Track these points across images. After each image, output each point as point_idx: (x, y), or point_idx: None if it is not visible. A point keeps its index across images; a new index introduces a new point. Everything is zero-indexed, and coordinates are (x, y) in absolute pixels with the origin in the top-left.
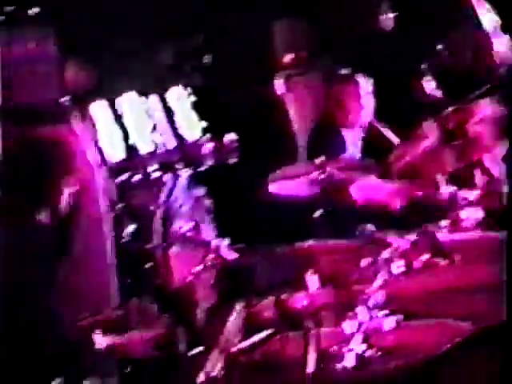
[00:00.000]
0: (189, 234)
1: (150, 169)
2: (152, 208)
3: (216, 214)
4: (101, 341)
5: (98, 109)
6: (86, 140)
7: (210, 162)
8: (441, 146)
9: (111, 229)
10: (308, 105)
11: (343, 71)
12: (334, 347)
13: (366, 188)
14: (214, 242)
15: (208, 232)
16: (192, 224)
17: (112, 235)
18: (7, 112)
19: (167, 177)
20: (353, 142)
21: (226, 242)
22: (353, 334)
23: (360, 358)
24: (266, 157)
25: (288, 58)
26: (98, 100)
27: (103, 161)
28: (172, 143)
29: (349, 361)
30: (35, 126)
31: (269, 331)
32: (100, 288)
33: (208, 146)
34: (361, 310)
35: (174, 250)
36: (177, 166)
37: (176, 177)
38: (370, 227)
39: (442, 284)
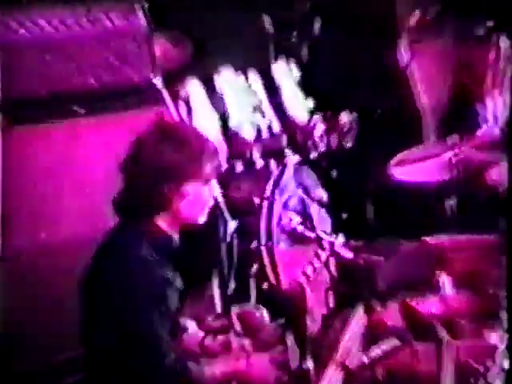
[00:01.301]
0: (299, 229)
1: (252, 156)
2: (256, 201)
3: (330, 207)
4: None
5: (193, 88)
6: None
7: (322, 148)
8: None
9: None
10: (437, 74)
11: (479, 32)
12: (475, 361)
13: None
14: (327, 239)
15: (321, 227)
16: (302, 218)
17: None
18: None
19: (273, 165)
20: (491, 117)
21: (342, 238)
22: (497, 346)
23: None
24: (387, 138)
25: (413, 19)
26: (191, 79)
27: None
28: (277, 126)
29: (493, 378)
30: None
31: (394, 342)
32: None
33: (319, 129)
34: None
35: (282, 248)
36: (284, 153)
37: (283, 165)
38: None
39: None
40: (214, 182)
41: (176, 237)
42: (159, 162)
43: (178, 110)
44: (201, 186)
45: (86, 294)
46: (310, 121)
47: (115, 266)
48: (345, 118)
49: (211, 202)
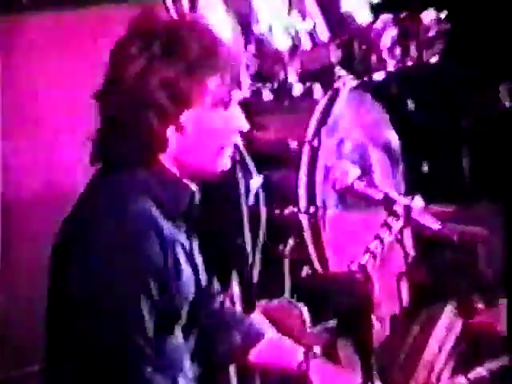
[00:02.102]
0: (357, 187)
1: (287, 78)
2: (293, 146)
3: (403, 155)
4: None
5: None
6: None
7: (392, 64)
8: None
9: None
10: None
11: None
12: None
13: None
14: (401, 201)
15: (390, 184)
16: (361, 171)
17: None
18: None
19: (317, 92)
20: None
21: (421, 201)
22: None
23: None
24: (494, 51)
25: None
26: None
27: None
28: (324, 31)
29: None
30: None
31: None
32: None
33: (389, 35)
34: None
35: (333, 214)
36: (334, 73)
37: (333, 92)
38: None
39: None
40: (234, 109)
41: (194, 187)
42: (143, 79)
43: (175, 4)
44: (207, 115)
45: (54, 275)
46: (374, 23)
47: (96, 229)
48: (429, 18)
49: (230, 142)
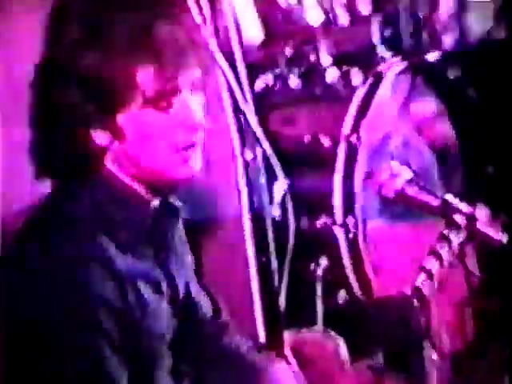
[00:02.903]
0: (408, 192)
1: (319, 60)
2: (326, 143)
3: (463, 155)
4: None
5: None
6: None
7: (448, 42)
8: None
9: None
10: None
11: None
12: None
13: None
14: (462, 209)
15: (447, 189)
16: (413, 173)
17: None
18: None
19: (356, 77)
20: None
21: (485, 209)
22: None
23: None
24: None
25: None
26: None
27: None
28: (365, 5)
29: None
30: None
31: None
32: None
33: (444, 5)
34: None
35: (376, 226)
36: (375, 55)
37: (375, 77)
38: None
39: None
40: (184, 101)
41: (155, 202)
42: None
43: None
44: (143, 113)
45: None
46: None
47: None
48: None
49: (189, 141)
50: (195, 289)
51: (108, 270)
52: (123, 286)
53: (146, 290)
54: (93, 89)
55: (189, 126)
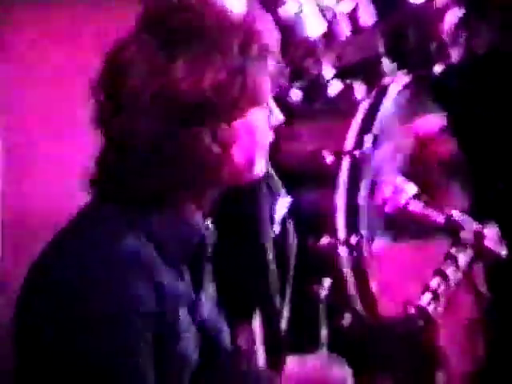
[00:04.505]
0: (413, 209)
1: (321, 73)
2: (329, 159)
3: (471, 169)
4: None
5: None
6: None
7: (456, 54)
8: None
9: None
10: None
11: None
12: None
13: None
14: (470, 227)
15: (453, 205)
16: (418, 188)
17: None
18: None
19: (359, 90)
20: None
21: (495, 226)
22: None
23: None
24: None
25: None
26: None
27: None
28: (368, 13)
29: None
30: None
31: None
32: None
33: (452, 16)
34: None
35: (381, 244)
36: (380, 67)
37: (379, 91)
38: None
39: None
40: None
41: (206, 224)
42: (163, 86)
43: None
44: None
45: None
46: (433, 1)
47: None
48: None
49: (267, 141)
50: (215, 314)
51: (151, 282)
52: (163, 301)
53: (182, 313)
54: None
55: (272, 126)
